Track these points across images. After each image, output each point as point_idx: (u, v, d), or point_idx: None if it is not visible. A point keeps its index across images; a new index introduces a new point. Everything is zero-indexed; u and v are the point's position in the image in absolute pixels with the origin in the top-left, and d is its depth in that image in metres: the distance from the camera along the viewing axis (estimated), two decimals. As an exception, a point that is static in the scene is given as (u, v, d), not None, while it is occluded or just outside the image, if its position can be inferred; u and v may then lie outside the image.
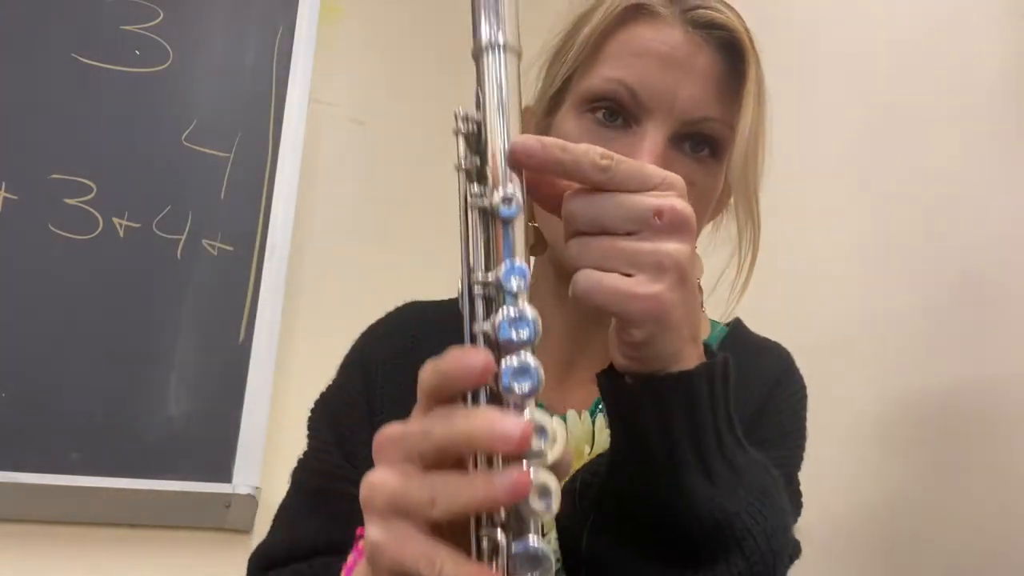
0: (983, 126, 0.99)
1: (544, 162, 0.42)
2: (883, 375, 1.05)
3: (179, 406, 1.48)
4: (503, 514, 0.38)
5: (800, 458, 0.69)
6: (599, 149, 0.43)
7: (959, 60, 1.04)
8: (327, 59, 1.76)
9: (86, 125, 1.51)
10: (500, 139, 0.41)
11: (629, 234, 0.43)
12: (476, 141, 0.41)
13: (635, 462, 0.49)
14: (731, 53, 0.64)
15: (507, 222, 0.40)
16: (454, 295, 0.79)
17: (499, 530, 0.38)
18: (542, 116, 0.71)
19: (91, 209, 1.49)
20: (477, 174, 0.41)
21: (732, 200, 0.70)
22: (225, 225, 1.57)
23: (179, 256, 1.53)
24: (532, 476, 0.37)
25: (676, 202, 0.44)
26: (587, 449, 0.67)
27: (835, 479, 0.94)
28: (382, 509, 0.39)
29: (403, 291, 0.87)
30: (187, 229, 1.55)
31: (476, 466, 0.38)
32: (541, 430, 0.38)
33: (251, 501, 1.47)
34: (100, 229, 1.49)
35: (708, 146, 0.65)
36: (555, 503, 0.37)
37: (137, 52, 1.57)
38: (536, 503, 0.37)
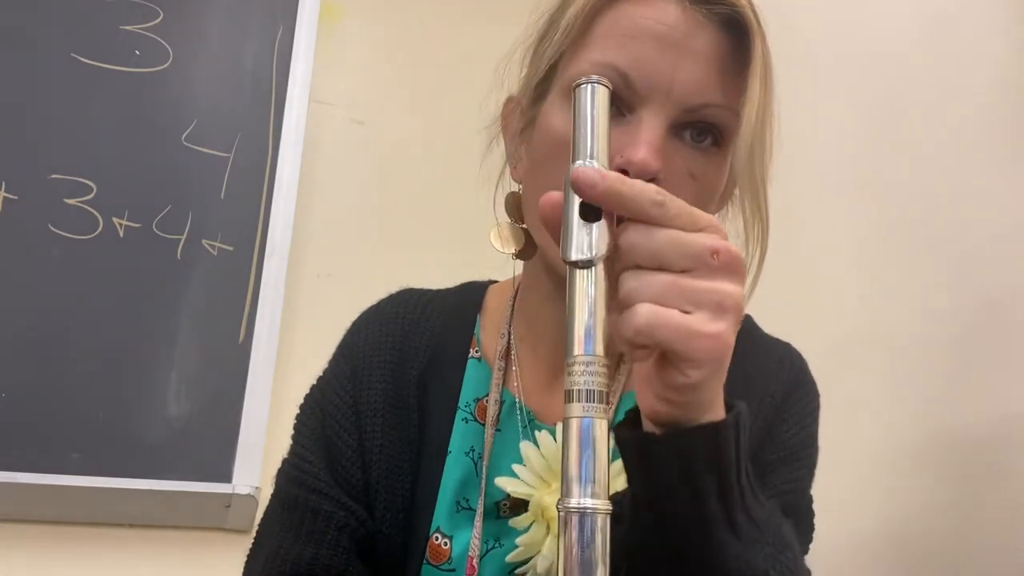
0: (987, 128, 0.99)
1: (605, 193, 0.42)
2: (892, 392, 1.04)
3: (179, 406, 1.48)
4: None
5: (812, 473, 0.66)
6: (653, 186, 0.43)
7: (961, 61, 1.03)
8: (327, 59, 1.76)
9: (86, 125, 1.51)
10: None
11: (684, 272, 0.42)
12: None
13: (660, 517, 0.47)
14: (735, 31, 0.59)
15: None
16: (451, 285, 0.79)
17: None
18: (527, 106, 0.65)
19: (91, 209, 1.49)
20: None
21: (738, 192, 0.65)
22: (225, 225, 1.57)
23: (179, 256, 1.53)
24: None
25: (730, 245, 0.44)
26: None
27: (852, 493, 0.92)
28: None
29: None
30: (187, 229, 1.55)
31: None
32: None
33: (251, 501, 1.47)
34: (100, 229, 1.49)
35: (711, 135, 0.60)
36: None
37: (137, 52, 1.57)
38: None
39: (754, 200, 0.62)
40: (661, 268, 0.42)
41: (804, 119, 1.22)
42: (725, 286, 0.43)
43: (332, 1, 1.80)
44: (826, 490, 0.67)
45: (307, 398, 0.74)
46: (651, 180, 0.56)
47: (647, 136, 0.57)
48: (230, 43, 1.64)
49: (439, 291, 0.79)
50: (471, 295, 0.77)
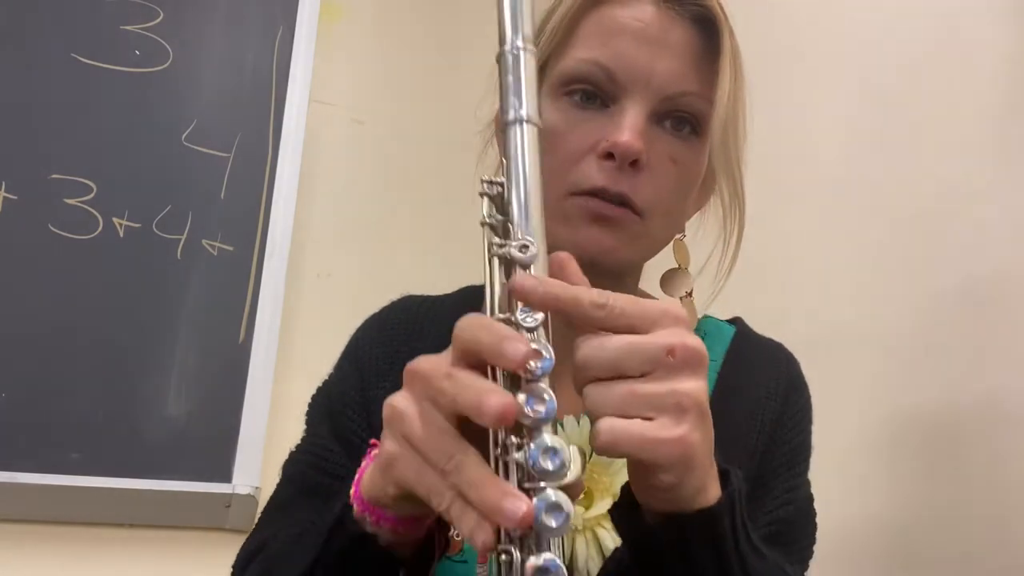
0: (985, 126, 0.99)
1: (543, 299, 0.42)
2: (882, 380, 1.04)
3: (179, 406, 1.48)
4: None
5: (807, 469, 0.69)
6: (594, 291, 0.43)
7: (960, 59, 1.03)
8: (327, 59, 1.76)
9: (86, 125, 1.51)
10: (522, 199, 0.45)
11: (644, 375, 0.43)
12: (500, 201, 0.46)
13: None
14: (705, 26, 0.64)
15: (525, 267, 0.44)
16: (451, 290, 0.80)
17: (513, 548, 0.41)
18: None
19: (91, 209, 1.49)
20: (501, 229, 0.45)
21: (718, 184, 0.69)
22: (225, 225, 1.57)
23: (179, 256, 1.53)
24: (545, 495, 0.40)
25: (687, 338, 0.43)
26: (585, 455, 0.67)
27: (835, 486, 0.94)
28: (400, 432, 0.43)
29: (403, 291, 0.86)
30: (187, 229, 1.55)
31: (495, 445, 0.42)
32: (555, 452, 0.40)
33: (251, 501, 1.47)
34: (100, 229, 1.49)
35: (689, 124, 0.64)
36: (569, 521, 0.40)
37: (137, 52, 1.57)
38: (548, 519, 0.39)
39: (730, 179, 0.67)
40: (619, 376, 0.43)
41: (804, 116, 1.22)
42: (684, 385, 0.42)
43: (332, 1, 1.80)
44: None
45: (314, 399, 0.75)
46: (634, 162, 0.62)
47: (630, 122, 0.62)
48: (230, 43, 1.64)
49: (438, 296, 0.79)
50: (470, 298, 0.78)
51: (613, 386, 0.42)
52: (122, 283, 1.49)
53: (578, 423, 0.67)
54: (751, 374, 0.70)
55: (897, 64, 1.12)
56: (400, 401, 0.45)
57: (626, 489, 0.49)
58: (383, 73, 1.88)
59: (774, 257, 1.18)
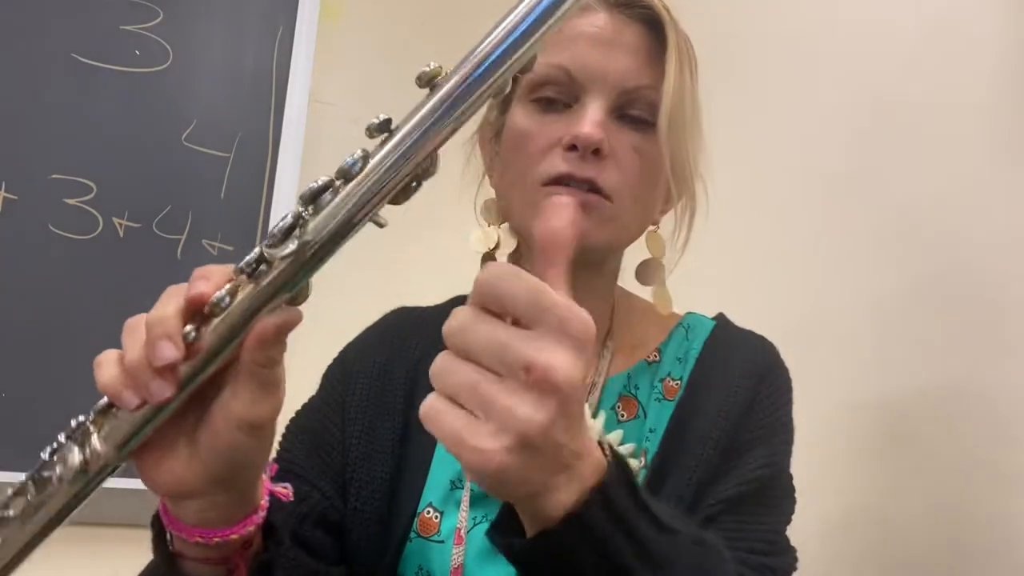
0: (979, 122, 0.99)
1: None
2: (845, 377, 1.05)
3: (179, 406, 1.48)
4: None
5: (789, 452, 0.71)
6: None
7: (954, 56, 1.04)
8: (327, 59, 1.76)
9: (86, 125, 1.51)
10: None
11: (498, 376, 0.40)
12: None
13: None
14: (653, 26, 0.70)
15: None
16: (447, 298, 0.81)
17: None
18: (495, 119, 0.77)
19: (91, 209, 1.49)
20: None
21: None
22: (225, 225, 1.57)
23: (179, 256, 1.53)
24: None
25: (558, 361, 0.39)
26: None
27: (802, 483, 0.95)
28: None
29: (402, 291, 0.87)
30: (187, 229, 1.55)
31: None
32: None
33: (251, 501, 1.47)
34: (100, 229, 1.49)
35: (650, 120, 0.69)
36: None
37: (137, 52, 1.57)
38: None
39: (681, 174, 0.71)
40: (472, 360, 0.41)
41: (800, 112, 1.22)
42: (521, 408, 0.39)
43: (332, 1, 1.80)
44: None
45: (293, 422, 0.78)
46: (596, 151, 0.66)
47: (590, 115, 0.67)
48: (230, 43, 1.64)
49: (429, 307, 0.84)
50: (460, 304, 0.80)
51: (462, 369, 0.41)
52: (122, 283, 1.49)
53: None
54: (726, 362, 0.73)
55: (892, 61, 1.12)
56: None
57: (504, 507, 0.47)
58: (383, 73, 1.88)
59: (739, 252, 1.20)
